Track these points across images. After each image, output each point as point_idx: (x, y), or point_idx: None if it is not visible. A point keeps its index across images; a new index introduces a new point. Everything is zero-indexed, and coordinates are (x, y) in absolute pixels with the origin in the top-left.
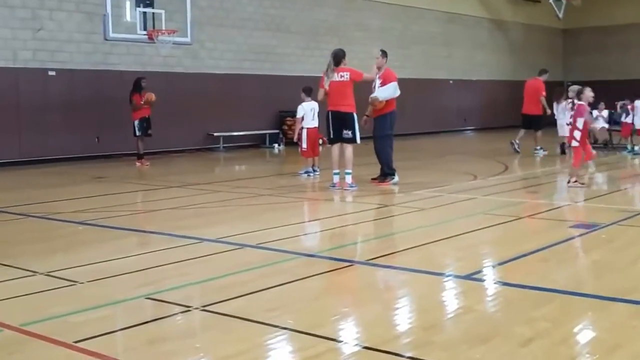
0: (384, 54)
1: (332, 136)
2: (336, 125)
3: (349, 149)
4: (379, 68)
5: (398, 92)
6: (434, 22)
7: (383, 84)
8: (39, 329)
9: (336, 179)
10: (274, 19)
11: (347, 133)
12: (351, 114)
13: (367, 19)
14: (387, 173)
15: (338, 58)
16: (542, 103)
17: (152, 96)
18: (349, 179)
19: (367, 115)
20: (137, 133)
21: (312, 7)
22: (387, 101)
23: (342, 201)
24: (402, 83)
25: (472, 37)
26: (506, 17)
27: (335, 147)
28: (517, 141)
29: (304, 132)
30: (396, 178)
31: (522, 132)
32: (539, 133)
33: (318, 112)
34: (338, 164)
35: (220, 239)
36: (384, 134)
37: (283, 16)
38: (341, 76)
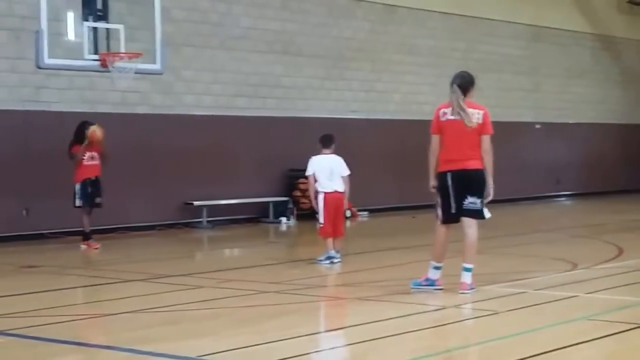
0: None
1: (453, 210)
2: (459, 192)
3: (473, 228)
4: None
5: None
6: (513, 40)
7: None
8: None
9: (436, 274)
10: (280, 37)
11: (473, 202)
12: (481, 172)
13: (413, 36)
14: None
15: (467, 84)
16: None
17: (97, 132)
18: (468, 277)
19: None
20: (79, 202)
21: (335, 21)
22: None
23: (377, 301)
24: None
25: (569, 61)
26: (618, 31)
27: (444, 228)
28: None
29: (320, 198)
30: None
31: None
32: None
33: (346, 172)
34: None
35: (202, 358)
36: None
37: (293, 33)
38: (473, 115)
